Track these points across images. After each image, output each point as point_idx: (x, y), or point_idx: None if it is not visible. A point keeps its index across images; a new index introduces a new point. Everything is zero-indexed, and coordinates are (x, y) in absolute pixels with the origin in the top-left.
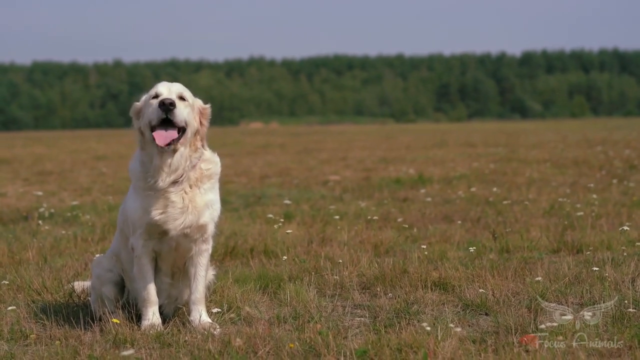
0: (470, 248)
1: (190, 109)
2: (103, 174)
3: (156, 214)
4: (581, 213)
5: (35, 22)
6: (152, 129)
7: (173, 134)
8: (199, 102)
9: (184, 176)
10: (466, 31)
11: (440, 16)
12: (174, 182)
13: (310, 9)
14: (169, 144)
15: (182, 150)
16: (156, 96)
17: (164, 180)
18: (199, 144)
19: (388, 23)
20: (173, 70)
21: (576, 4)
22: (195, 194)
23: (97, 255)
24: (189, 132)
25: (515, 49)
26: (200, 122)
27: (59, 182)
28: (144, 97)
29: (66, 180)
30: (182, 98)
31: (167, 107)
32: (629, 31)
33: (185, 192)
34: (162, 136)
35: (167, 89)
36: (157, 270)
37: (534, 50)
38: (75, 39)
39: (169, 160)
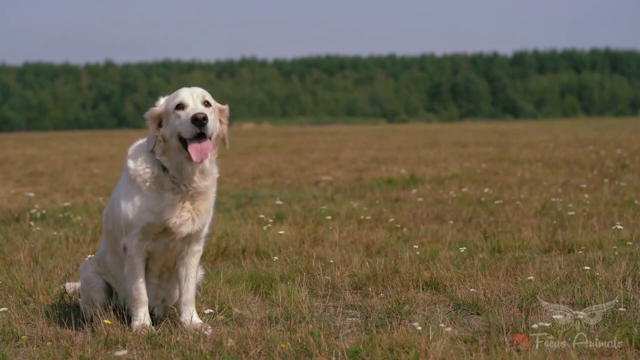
0: (462, 248)
1: (214, 114)
2: (95, 175)
3: (171, 218)
4: (572, 213)
5: (27, 22)
6: (181, 140)
7: (208, 146)
8: (217, 103)
9: (209, 178)
10: (458, 31)
11: (432, 16)
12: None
13: (302, 9)
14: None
15: (209, 155)
16: (181, 105)
17: (198, 185)
18: (220, 145)
19: (380, 23)
20: (165, 70)
21: (568, 4)
22: (206, 198)
23: (85, 259)
24: (215, 137)
25: (507, 49)
26: (221, 122)
27: (51, 183)
28: (162, 102)
29: (58, 181)
30: (207, 104)
31: (200, 122)
32: (620, 31)
33: (198, 196)
34: (198, 152)
35: (191, 97)
36: (145, 270)
37: (526, 50)
38: (67, 39)
39: (201, 166)
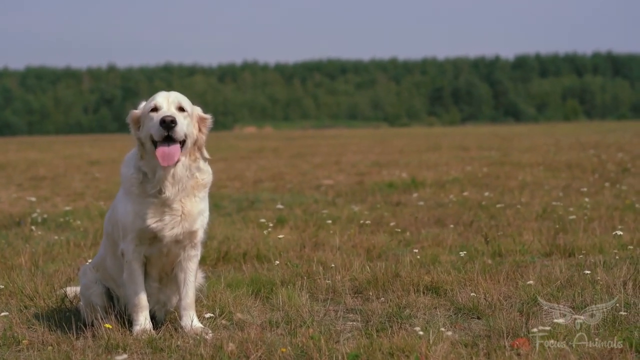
0: (462, 252)
1: (189, 119)
2: (96, 179)
3: (152, 222)
4: (574, 216)
5: (29, 26)
6: (154, 143)
7: (176, 151)
8: (197, 110)
9: (183, 185)
10: (460, 35)
11: (434, 20)
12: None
13: (304, 13)
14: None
15: (183, 160)
16: (155, 109)
17: (170, 191)
18: (197, 153)
19: (381, 27)
20: (166, 75)
21: (570, 7)
22: (191, 202)
23: (84, 265)
24: (189, 143)
25: (508, 53)
26: (200, 130)
27: (52, 187)
28: (142, 106)
29: (59, 185)
30: (181, 109)
31: (168, 125)
32: (622, 34)
33: (182, 200)
34: (166, 156)
35: (166, 100)
36: (145, 275)
37: (528, 53)
38: (69, 43)
39: (172, 171)
